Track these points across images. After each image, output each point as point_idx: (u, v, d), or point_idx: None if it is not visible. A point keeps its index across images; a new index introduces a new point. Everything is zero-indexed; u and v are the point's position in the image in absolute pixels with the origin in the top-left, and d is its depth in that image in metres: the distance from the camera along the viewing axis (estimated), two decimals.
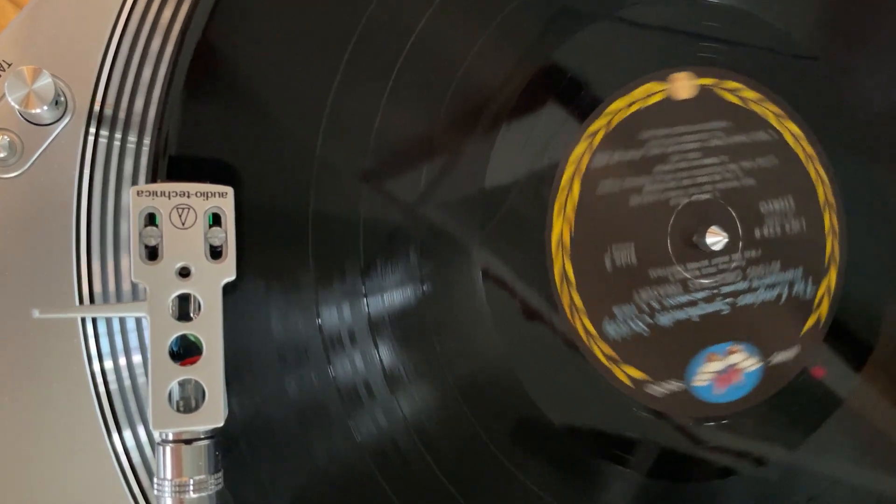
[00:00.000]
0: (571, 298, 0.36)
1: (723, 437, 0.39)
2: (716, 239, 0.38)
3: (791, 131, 0.41)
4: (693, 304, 0.38)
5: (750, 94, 0.40)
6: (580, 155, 0.37)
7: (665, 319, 0.38)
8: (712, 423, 0.38)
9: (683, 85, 0.38)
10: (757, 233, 0.40)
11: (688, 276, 0.38)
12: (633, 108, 0.38)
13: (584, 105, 0.37)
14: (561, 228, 0.36)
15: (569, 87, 0.37)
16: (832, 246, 0.41)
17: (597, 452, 0.36)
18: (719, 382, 0.38)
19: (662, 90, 0.39)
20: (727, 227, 0.38)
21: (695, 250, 0.38)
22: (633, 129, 0.38)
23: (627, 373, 0.37)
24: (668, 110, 0.39)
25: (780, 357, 0.40)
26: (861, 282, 0.42)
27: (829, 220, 0.41)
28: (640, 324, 0.37)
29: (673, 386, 0.38)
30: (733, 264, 0.39)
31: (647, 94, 0.38)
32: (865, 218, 0.42)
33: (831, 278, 0.41)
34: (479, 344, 0.35)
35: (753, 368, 0.39)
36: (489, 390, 0.35)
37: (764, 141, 0.41)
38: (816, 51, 0.42)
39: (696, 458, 0.38)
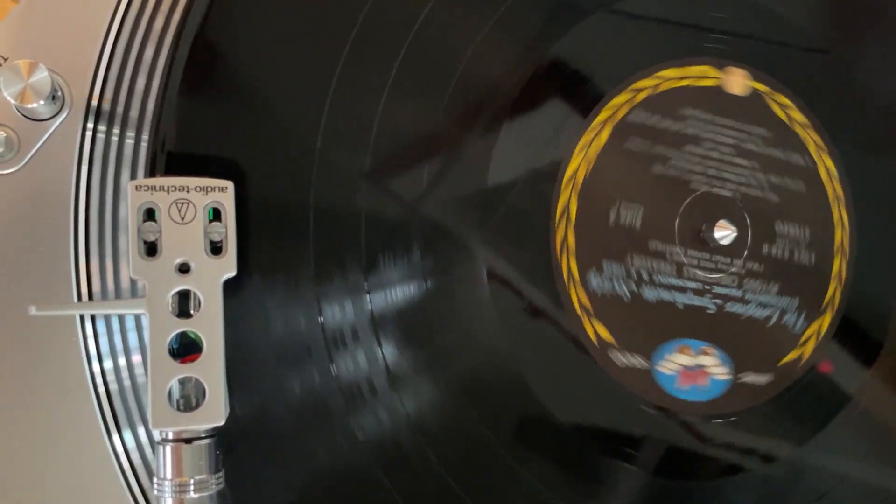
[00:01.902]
0: (568, 262, 0.36)
1: (731, 435, 0.38)
2: (724, 233, 0.37)
3: (827, 166, 0.40)
4: (682, 290, 0.38)
5: (797, 116, 0.40)
6: (619, 105, 0.37)
7: (650, 294, 0.37)
8: (720, 421, 0.38)
9: (738, 81, 0.37)
10: (765, 248, 0.39)
11: (685, 261, 0.38)
12: (685, 83, 0.38)
13: (591, 95, 0.37)
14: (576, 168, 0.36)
15: (575, 79, 0.37)
16: (834, 292, 0.41)
17: (603, 450, 0.36)
18: (684, 378, 0.37)
19: (717, 77, 0.39)
20: (739, 227, 0.38)
21: (700, 240, 0.38)
22: (677, 100, 0.38)
23: (596, 329, 0.36)
24: (716, 99, 0.39)
25: (750, 378, 0.39)
26: (872, 278, 0.41)
27: (839, 267, 0.41)
28: (624, 287, 0.37)
29: (636, 361, 0.36)
30: (732, 269, 0.38)
31: (701, 74, 0.38)
32: (876, 214, 0.42)
33: (824, 323, 0.40)
34: (483, 340, 0.34)
35: (721, 378, 0.38)
36: (493, 387, 0.34)
37: (798, 165, 0.40)
38: (827, 43, 0.42)
39: (704, 456, 0.38)
